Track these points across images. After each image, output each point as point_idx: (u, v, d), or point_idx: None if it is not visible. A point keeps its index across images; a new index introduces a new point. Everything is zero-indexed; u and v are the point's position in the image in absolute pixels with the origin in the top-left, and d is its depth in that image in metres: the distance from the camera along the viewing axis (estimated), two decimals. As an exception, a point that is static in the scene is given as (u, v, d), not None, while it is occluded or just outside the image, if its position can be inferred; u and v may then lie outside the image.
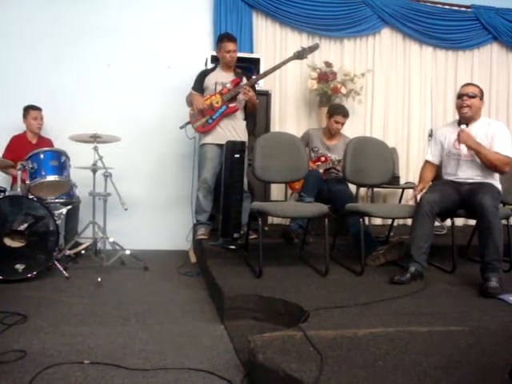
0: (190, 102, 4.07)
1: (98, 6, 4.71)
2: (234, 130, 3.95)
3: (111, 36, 4.72)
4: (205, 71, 4.10)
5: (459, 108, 3.23)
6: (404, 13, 5.30)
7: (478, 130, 3.19)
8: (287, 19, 5.06)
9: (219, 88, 3.95)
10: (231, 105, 3.94)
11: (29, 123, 4.30)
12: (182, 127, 4.14)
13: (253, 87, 4.01)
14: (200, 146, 4.08)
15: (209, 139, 3.97)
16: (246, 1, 4.93)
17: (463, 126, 3.16)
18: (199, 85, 4.02)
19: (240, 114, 4.03)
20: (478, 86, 3.26)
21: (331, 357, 1.83)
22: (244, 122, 4.08)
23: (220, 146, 3.92)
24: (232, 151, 3.56)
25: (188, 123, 4.08)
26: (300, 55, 3.97)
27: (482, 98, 3.24)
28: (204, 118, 3.94)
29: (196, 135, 4.19)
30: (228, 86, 3.95)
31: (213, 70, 4.10)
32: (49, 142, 4.39)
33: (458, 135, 3.14)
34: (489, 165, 3.08)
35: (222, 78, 4.00)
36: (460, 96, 3.22)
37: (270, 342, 1.95)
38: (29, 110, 4.30)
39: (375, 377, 1.70)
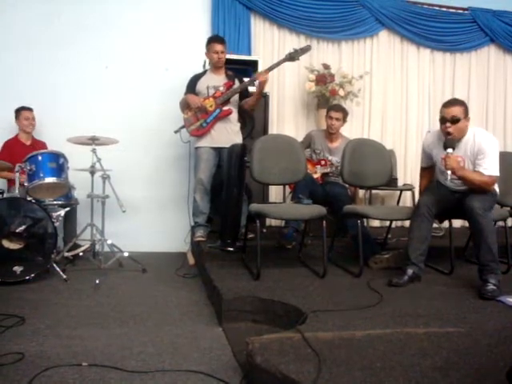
0: (183, 107, 4.06)
1: (96, 7, 4.71)
2: (228, 133, 3.96)
3: (109, 38, 4.72)
4: (196, 76, 4.10)
5: (443, 132, 3.07)
6: (401, 15, 5.32)
7: (464, 148, 3.05)
8: (285, 21, 5.07)
9: (212, 91, 3.95)
10: (225, 108, 3.94)
11: (21, 123, 4.31)
12: (176, 131, 4.17)
13: (247, 90, 4.02)
14: (195, 149, 4.09)
15: (203, 142, 3.98)
16: (244, 3, 4.94)
17: (449, 151, 2.96)
18: (191, 90, 4.02)
19: (234, 117, 4.03)
20: (460, 104, 3.00)
21: (329, 358, 1.84)
22: (238, 125, 4.08)
23: (214, 148, 3.95)
24: (232, 154, 3.59)
25: (182, 127, 4.09)
26: (292, 57, 3.96)
27: (466, 116, 3.00)
28: (198, 121, 3.95)
29: (191, 139, 4.20)
30: (221, 89, 3.95)
31: (203, 74, 4.11)
32: (43, 145, 4.39)
33: (444, 160, 2.98)
34: (476, 187, 2.99)
35: (213, 81, 4.00)
36: (443, 121, 3.01)
37: (267, 344, 1.95)
38: (20, 110, 4.31)
39: (373, 378, 1.71)
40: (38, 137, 4.45)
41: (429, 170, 3.41)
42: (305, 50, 3.99)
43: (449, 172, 2.98)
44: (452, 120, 2.96)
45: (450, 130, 2.97)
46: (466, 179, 3.01)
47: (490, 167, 2.97)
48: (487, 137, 3.05)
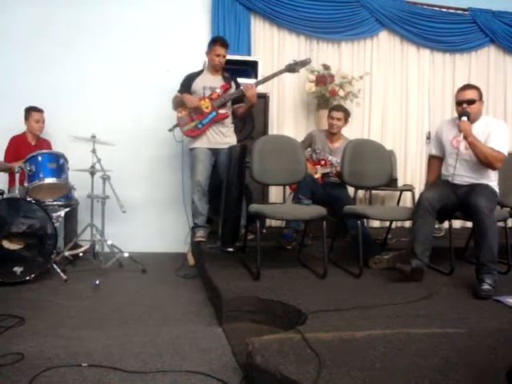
0: (176, 104, 4.02)
1: (96, 7, 4.70)
2: (223, 135, 3.96)
3: (109, 38, 4.72)
4: (191, 75, 4.05)
5: (459, 114, 3.17)
6: (401, 15, 5.32)
7: (477, 131, 3.15)
8: (285, 22, 5.07)
9: (208, 92, 3.93)
10: (221, 111, 3.92)
11: (30, 125, 4.27)
12: (170, 130, 4.15)
13: (245, 95, 4.01)
14: (190, 150, 4.06)
15: (199, 143, 3.96)
16: (244, 3, 4.94)
17: (464, 118, 3.10)
18: (186, 89, 3.97)
19: (229, 120, 4.02)
20: (475, 88, 3.21)
21: (329, 359, 1.83)
22: (232, 126, 4.07)
23: (210, 149, 3.95)
24: (232, 155, 3.59)
25: (176, 126, 4.06)
26: (291, 68, 3.97)
27: (481, 99, 3.20)
28: (193, 122, 3.92)
29: (184, 138, 4.18)
30: (218, 91, 3.93)
31: (199, 73, 4.07)
32: (48, 144, 4.38)
33: (459, 126, 3.10)
34: (483, 159, 3.06)
35: (209, 82, 3.98)
36: (460, 103, 3.17)
37: (267, 345, 1.95)
38: (30, 111, 4.27)
39: (373, 379, 1.70)
40: (38, 137, 4.46)
41: (437, 160, 3.45)
42: (305, 63, 4.02)
43: (461, 145, 3.12)
44: (468, 101, 3.14)
45: (468, 110, 3.12)
46: (477, 146, 3.06)
47: (499, 144, 3.08)
48: (498, 121, 3.26)
